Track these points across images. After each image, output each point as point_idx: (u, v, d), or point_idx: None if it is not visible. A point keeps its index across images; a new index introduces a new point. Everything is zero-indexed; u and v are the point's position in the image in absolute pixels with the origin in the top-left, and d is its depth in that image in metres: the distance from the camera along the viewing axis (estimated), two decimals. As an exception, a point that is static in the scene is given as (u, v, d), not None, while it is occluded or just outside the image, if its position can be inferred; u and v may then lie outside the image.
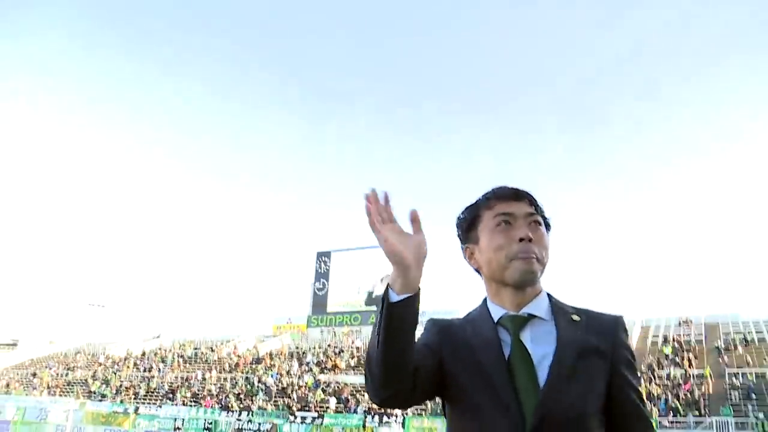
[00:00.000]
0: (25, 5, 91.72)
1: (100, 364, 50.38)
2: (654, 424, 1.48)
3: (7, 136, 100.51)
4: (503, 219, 1.54)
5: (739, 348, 33.79)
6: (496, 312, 1.56)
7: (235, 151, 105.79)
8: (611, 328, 1.55)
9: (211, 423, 35.06)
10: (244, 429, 33.63)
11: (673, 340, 35.56)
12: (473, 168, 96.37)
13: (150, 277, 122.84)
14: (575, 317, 1.54)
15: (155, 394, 41.97)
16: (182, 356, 48.72)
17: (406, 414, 31.55)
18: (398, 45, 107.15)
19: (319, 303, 53.65)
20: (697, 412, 27.75)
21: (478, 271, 1.65)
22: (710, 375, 30.97)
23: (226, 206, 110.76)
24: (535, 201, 1.60)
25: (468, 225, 1.63)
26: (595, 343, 1.50)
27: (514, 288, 1.53)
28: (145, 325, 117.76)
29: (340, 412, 34.15)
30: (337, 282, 53.77)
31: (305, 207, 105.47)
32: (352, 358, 42.84)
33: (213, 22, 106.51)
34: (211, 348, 49.72)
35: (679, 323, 38.37)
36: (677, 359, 33.21)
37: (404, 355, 1.35)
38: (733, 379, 30.24)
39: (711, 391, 29.68)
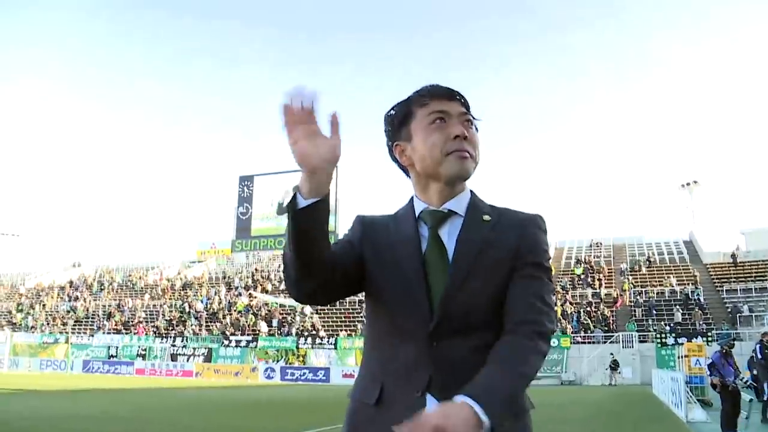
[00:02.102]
0: None
1: (21, 295, 49.82)
2: (549, 329, 1.46)
3: None
4: (438, 116, 1.53)
5: (643, 268, 37.18)
6: (419, 207, 1.58)
7: (155, 80, 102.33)
8: (521, 224, 1.53)
9: (145, 349, 35.90)
10: (180, 354, 34.69)
11: (585, 261, 38.57)
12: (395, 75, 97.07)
13: (65, 205, 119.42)
14: (486, 216, 1.54)
15: (84, 323, 42.14)
16: (108, 284, 48.72)
17: (338, 335, 33.32)
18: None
19: (243, 227, 54.01)
20: (606, 328, 30.75)
21: (404, 169, 1.64)
22: (617, 294, 34.14)
23: (143, 134, 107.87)
24: (467, 102, 1.59)
25: (399, 122, 1.60)
26: (500, 240, 1.49)
27: (445, 183, 1.54)
28: (63, 254, 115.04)
29: (273, 335, 35.57)
30: (261, 206, 54.25)
31: (226, 132, 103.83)
32: (280, 282, 44.10)
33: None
34: (137, 275, 49.80)
35: (590, 245, 41.55)
36: (588, 279, 36.22)
37: (315, 255, 1.36)
38: (637, 297, 33.44)
39: (617, 308, 32.82)
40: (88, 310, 43.84)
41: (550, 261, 1.59)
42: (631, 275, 36.32)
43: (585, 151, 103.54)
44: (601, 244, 41.10)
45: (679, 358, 22.71)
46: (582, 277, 36.63)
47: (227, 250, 53.82)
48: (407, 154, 1.58)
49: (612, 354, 28.33)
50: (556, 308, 2.38)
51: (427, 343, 1.43)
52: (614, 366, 27.81)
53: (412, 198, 1.63)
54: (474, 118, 1.60)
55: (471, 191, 1.61)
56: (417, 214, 1.57)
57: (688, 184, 47.55)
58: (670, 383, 15.69)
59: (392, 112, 1.63)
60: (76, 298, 46.52)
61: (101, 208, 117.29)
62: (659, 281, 35.22)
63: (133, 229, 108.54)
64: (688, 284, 34.01)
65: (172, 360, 34.43)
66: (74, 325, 41.83)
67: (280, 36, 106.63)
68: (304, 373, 30.63)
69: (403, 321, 1.47)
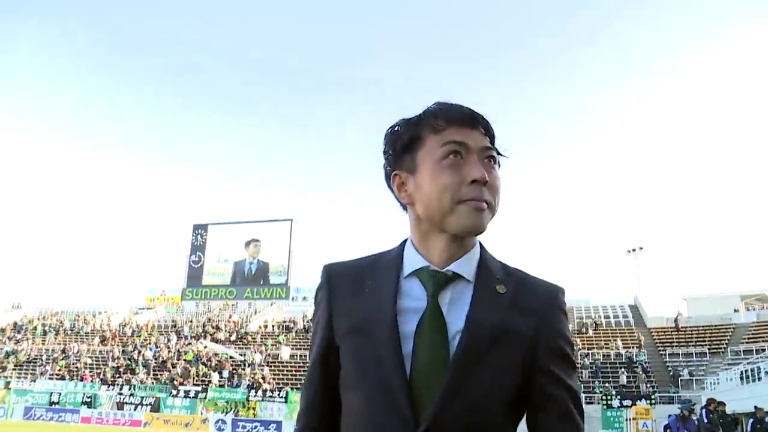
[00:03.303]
0: None
1: (-43, 336, 48.16)
2: (580, 422, 1.23)
3: None
4: (454, 149, 1.20)
5: (590, 331, 38.27)
6: (414, 261, 1.26)
7: (110, 124, 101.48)
8: (543, 306, 1.25)
9: (90, 397, 35.04)
10: (126, 403, 33.99)
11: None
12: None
13: (8, 245, 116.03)
14: (500, 288, 1.23)
15: (26, 367, 40.93)
16: (53, 327, 47.54)
17: (289, 389, 33.21)
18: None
19: (194, 276, 53.69)
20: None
21: (403, 205, 1.32)
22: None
23: (94, 176, 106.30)
24: (493, 131, 1.27)
25: (403, 146, 1.27)
26: (518, 325, 1.20)
27: (452, 238, 1.23)
28: (3, 295, 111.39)
29: (223, 386, 35.22)
30: (214, 255, 54.12)
31: (181, 179, 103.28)
32: (230, 333, 43.81)
33: None
34: (83, 319, 48.74)
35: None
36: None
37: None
38: (584, 359, 34.35)
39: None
40: (30, 354, 42.62)
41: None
42: (578, 337, 37.32)
43: (535, 215, 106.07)
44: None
45: (627, 420, 23.45)
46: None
47: (177, 298, 53.29)
48: (408, 190, 1.27)
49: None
50: (574, 385, 1.35)
51: None
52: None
53: (404, 242, 1.31)
54: (498, 153, 1.28)
55: (481, 245, 1.31)
56: (407, 270, 1.25)
57: (634, 250, 49.39)
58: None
59: (396, 129, 1.30)
60: (18, 341, 45.19)
61: (45, 248, 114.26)
62: (605, 344, 36.27)
63: (78, 272, 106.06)
64: (633, 347, 35.12)
65: (119, 408, 33.69)
66: (14, 369, 40.57)
67: (241, 83, 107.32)
68: (256, 426, 30.33)
69: (380, 418, 1.16)
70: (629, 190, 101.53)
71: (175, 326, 46.90)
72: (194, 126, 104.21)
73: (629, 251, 49.69)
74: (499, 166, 1.28)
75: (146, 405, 33.43)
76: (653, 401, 27.72)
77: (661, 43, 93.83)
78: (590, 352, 35.32)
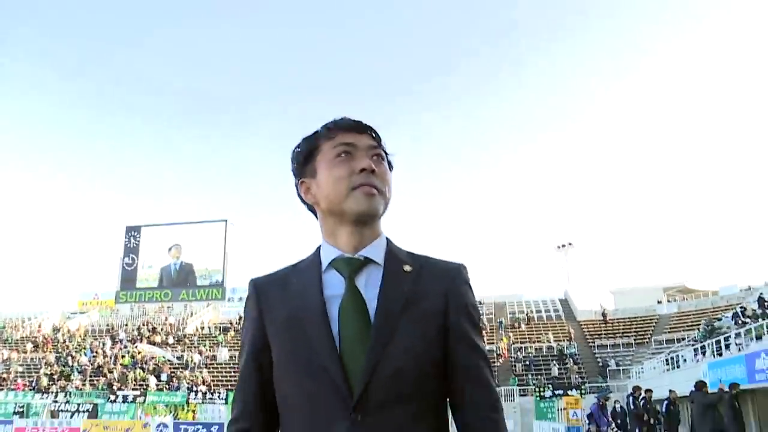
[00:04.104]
0: None
1: None
2: (493, 383, 1.38)
3: None
4: (344, 149, 1.38)
5: (522, 325, 39.59)
6: (329, 254, 1.40)
7: (34, 124, 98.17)
8: (446, 278, 1.39)
9: (22, 406, 34.20)
10: (62, 411, 33.32)
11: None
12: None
13: None
14: (407, 267, 1.39)
15: (-47, 377, 39.53)
16: (-20, 335, 46.01)
17: (229, 390, 33.20)
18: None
19: (128, 278, 52.92)
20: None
21: (312, 209, 1.48)
22: (499, 350, 36.08)
23: (22, 181, 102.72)
24: (379, 136, 1.46)
25: (305, 157, 1.45)
26: (425, 293, 1.35)
27: (353, 224, 1.38)
28: None
29: (162, 389, 34.93)
30: (148, 258, 53.42)
31: (111, 181, 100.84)
32: (168, 335, 43.39)
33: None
34: (12, 325, 47.36)
35: (472, 303, 43.68)
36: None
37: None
38: (517, 352, 35.54)
39: (500, 363, 34.70)
40: (-44, 363, 41.19)
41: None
42: (511, 332, 38.54)
43: (468, 213, 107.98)
44: (483, 302, 43.34)
45: (558, 410, 24.51)
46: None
47: (111, 302, 52.33)
48: (312, 192, 1.44)
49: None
50: (482, 344, 1.49)
51: (351, 421, 1.24)
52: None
53: (318, 247, 1.46)
54: (386, 152, 1.46)
55: (387, 238, 1.47)
56: (325, 264, 1.40)
57: (563, 245, 51.17)
58: (552, 433, 17.23)
59: (298, 147, 1.49)
60: (-57, 350, 43.57)
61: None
62: (537, 337, 37.63)
63: (5, 277, 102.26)
64: (564, 340, 36.55)
65: (54, 417, 33.00)
66: (-60, 380, 39.13)
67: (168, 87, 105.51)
68: (198, 429, 30.24)
69: (318, 396, 1.27)
70: (558, 188, 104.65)
71: (110, 330, 46.13)
72: (126, 127, 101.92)
73: (559, 247, 51.47)
74: (392, 167, 1.48)
75: (83, 412, 32.83)
76: (583, 391, 28.97)
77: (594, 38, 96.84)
78: (523, 345, 36.58)
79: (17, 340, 44.71)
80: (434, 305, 1.35)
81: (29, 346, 43.25)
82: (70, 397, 34.33)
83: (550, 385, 30.58)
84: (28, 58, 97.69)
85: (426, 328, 1.32)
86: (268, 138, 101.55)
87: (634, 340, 36.21)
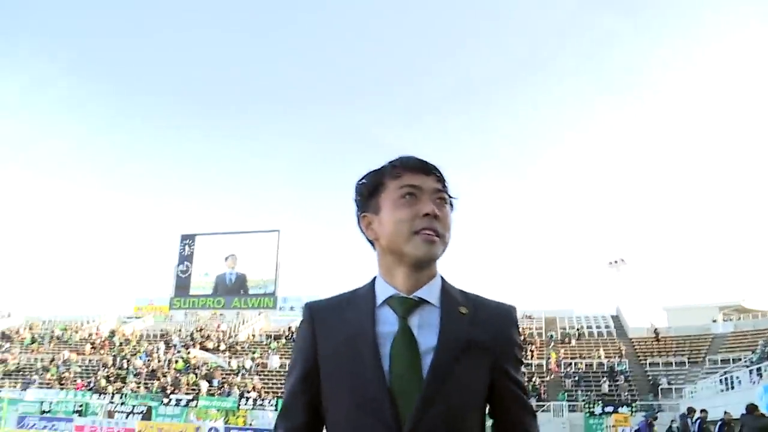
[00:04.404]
0: None
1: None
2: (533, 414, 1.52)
3: None
4: (409, 191, 1.42)
5: (573, 341, 39.18)
6: (384, 291, 1.45)
7: (91, 134, 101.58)
8: (499, 321, 1.47)
9: (81, 406, 35.30)
10: (118, 412, 34.29)
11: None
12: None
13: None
14: (463, 309, 1.44)
15: (15, 377, 41.03)
16: (41, 336, 47.68)
17: (279, 397, 33.65)
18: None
19: (182, 285, 54.00)
20: (536, 398, 32.11)
21: (372, 243, 1.52)
22: (549, 365, 35.77)
23: (81, 188, 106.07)
24: (443, 177, 1.49)
25: (369, 192, 1.50)
26: (480, 338, 1.41)
27: (411, 266, 1.42)
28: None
29: (213, 394, 35.65)
30: (202, 266, 54.53)
31: (167, 189, 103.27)
32: (220, 341, 44.27)
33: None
34: (72, 328, 48.92)
35: (522, 317, 43.38)
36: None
37: None
38: (567, 368, 35.20)
39: (549, 379, 34.40)
40: (18, 363, 42.77)
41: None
42: (561, 347, 38.16)
43: (520, 229, 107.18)
44: (533, 316, 42.95)
45: (607, 427, 24.22)
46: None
47: (165, 307, 53.59)
48: (374, 228, 1.49)
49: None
50: (523, 381, 1.70)
51: None
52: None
53: (374, 279, 1.51)
54: (450, 195, 1.50)
55: (441, 277, 1.51)
56: (380, 300, 1.45)
57: (615, 262, 50.43)
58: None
59: (363, 181, 1.53)
60: (6, 350, 45.29)
61: (32, 257, 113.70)
62: (588, 353, 37.18)
63: (65, 281, 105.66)
64: (615, 357, 36.03)
65: (110, 417, 34.01)
66: (2, 379, 40.66)
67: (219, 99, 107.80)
68: (248, 434, 30.85)
69: (365, 429, 1.34)
70: (610, 204, 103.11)
71: (164, 335, 47.25)
72: (183, 140, 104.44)
73: (611, 263, 50.73)
74: (453, 208, 1.51)
75: (137, 414, 33.72)
76: (634, 409, 28.55)
77: (650, 52, 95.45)
78: (573, 361, 36.19)
79: (77, 341, 46.19)
80: (487, 347, 1.42)
81: (88, 347, 44.63)
82: (125, 398, 35.31)
83: (600, 402, 30.23)
84: (91, 71, 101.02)
85: (479, 369, 1.40)
86: (319, 143, 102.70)
87: (688, 358, 35.46)
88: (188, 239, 56.09)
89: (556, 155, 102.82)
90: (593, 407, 29.31)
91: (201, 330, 47.05)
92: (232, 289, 52.33)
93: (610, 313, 44.02)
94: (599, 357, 36.20)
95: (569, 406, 30.86)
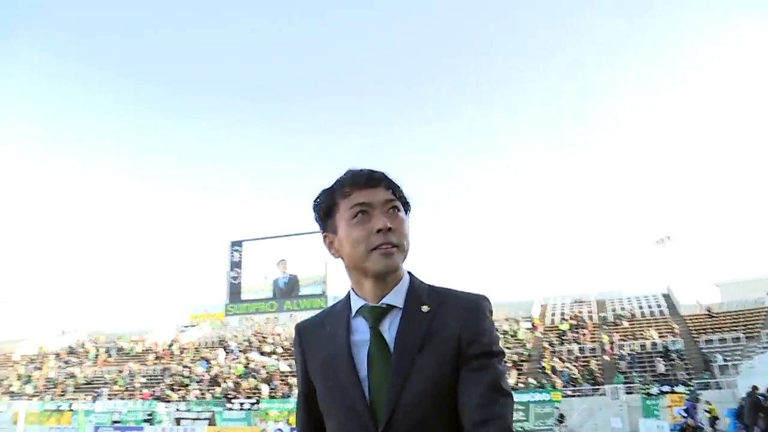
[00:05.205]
0: None
1: (15, 363, 50.20)
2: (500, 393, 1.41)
3: None
4: (360, 209, 1.47)
5: (625, 322, 39.12)
6: (357, 302, 1.54)
7: (141, 143, 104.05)
8: (464, 312, 1.48)
9: (150, 414, 36.65)
10: (184, 419, 35.52)
11: (570, 318, 40.43)
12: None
13: (54, 271, 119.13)
14: (425, 307, 1.49)
15: (85, 389, 42.71)
16: (105, 349, 49.42)
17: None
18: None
19: (235, 291, 55.11)
20: (592, 381, 32.25)
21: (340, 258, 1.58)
22: (602, 348, 35.85)
23: (128, 199, 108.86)
24: (392, 183, 1.53)
25: (325, 213, 1.56)
26: (442, 332, 1.45)
27: (375, 278, 1.49)
28: (53, 320, 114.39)
29: (274, 397, 36.62)
30: (250, 271, 55.57)
31: (214, 198, 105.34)
32: (276, 345, 45.33)
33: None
34: (133, 340, 50.58)
35: (573, 301, 43.44)
36: (575, 335, 37.96)
37: None
38: (621, 350, 35.21)
39: (603, 361, 34.51)
40: (87, 376, 44.46)
41: (500, 342, 1.51)
42: (614, 330, 38.14)
43: (562, 213, 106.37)
44: (583, 300, 42.91)
45: (663, 408, 24.29)
46: (568, 333, 38.30)
47: (221, 314, 54.82)
48: (335, 247, 1.55)
49: (557, 408, 29.20)
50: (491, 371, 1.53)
51: None
52: (561, 420, 28.95)
53: (349, 292, 1.59)
54: (402, 198, 1.55)
55: (409, 275, 1.57)
56: (354, 310, 1.53)
57: (662, 240, 49.99)
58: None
59: (318, 201, 1.59)
60: (75, 364, 47.10)
61: (91, 273, 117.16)
62: (641, 334, 37.09)
63: (120, 295, 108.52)
64: (668, 336, 35.90)
65: (177, 424, 35.26)
66: (74, 392, 42.35)
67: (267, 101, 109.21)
68: (311, 433, 31.63)
69: (350, 430, 1.45)
70: (652, 181, 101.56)
71: (221, 342, 48.53)
72: (225, 145, 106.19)
73: (658, 241, 50.32)
74: (409, 210, 1.58)
75: (203, 419, 34.89)
76: (691, 388, 28.49)
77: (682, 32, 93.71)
78: (626, 343, 36.15)
79: (139, 352, 47.81)
80: (449, 337, 1.46)
81: (150, 357, 46.20)
82: (190, 405, 36.53)
83: (656, 382, 30.23)
84: (148, 75, 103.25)
85: (442, 359, 1.44)
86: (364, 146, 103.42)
87: (743, 334, 35.06)
88: (237, 245, 57.22)
89: (601, 134, 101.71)
90: (649, 388, 29.32)
91: (257, 334, 48.12)
92: (285, 292, 53.30)
93: (661, 291, 43.78)
94: (652, 337, 36.08)
95: (626, 388, 30.92)
